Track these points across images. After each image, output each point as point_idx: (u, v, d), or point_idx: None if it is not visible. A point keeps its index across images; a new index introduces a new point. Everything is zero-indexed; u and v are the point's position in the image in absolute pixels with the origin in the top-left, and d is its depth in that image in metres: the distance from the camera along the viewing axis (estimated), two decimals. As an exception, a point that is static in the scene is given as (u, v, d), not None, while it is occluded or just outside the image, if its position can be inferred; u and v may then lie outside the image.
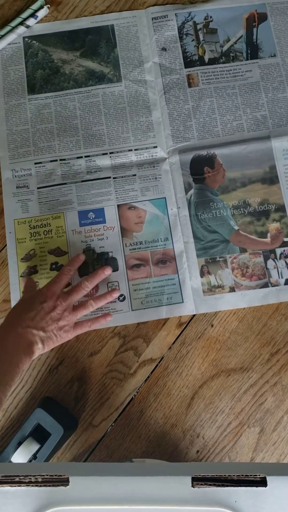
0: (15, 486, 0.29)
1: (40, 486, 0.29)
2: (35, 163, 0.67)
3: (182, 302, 0.62)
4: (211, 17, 0.72)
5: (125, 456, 0.59)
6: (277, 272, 0.63)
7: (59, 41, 0.72)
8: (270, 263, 0.64)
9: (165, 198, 0.66)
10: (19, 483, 0.29)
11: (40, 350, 0.53)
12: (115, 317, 0.62)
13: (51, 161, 0.67)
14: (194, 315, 0.62)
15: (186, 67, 0.70)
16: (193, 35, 0.72)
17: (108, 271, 0.61)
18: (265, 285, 0.63)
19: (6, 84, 0.70)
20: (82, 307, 0.58)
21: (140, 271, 0.64)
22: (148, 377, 0.61)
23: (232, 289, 0.63)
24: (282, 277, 0.63)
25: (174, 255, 0.64)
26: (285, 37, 0.71)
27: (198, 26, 0.72)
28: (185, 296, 0.63)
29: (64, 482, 0.29)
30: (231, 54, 0.71)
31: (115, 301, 0.62)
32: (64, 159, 0.67)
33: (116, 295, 0.61)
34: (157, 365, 0.61)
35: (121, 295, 0.63)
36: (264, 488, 0.29)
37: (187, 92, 0.69)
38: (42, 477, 0.29)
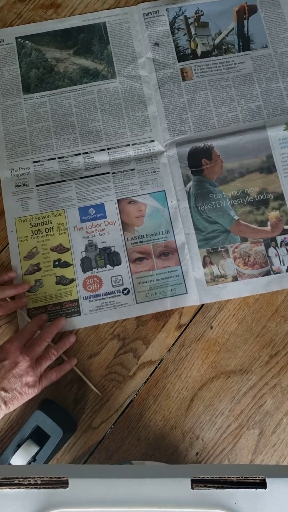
0: (14, 488, 0.28)
1: (40, 488, 0.29)
2: (33, 162, 0.67)
3: (186, 293, 0.63)
4: (201, 11, 0.73)
5: (124, 458, 0.58)
6: (279, 260, 0.64)
7: (52, 40, 0.72)
8: (272, 251, 0.64)
9: (164, 191, 0.66)
10: (19, 485, 0.28)
11: (3, 411, 0.51)
12: (120, 311, 0.62)
13: (49, 159, 0.68)
14: (194, 316, 0.62)
15: (179, 61, 0.71)
16: (184, 29, 0.72)
17: (63, 322, 0.60)
18: (268, 273, 0.63)
19: (1, 85, 0.70)
20: (45, 358, 0.56)
21: (143, 264, 0.64)
22: (148, 379, 0.60)
23: (235, 278, 0.63)
24: (283, 264, 0.64)
25: (176, 247, 0.64)
26: (276, 28, 0.72)
27: (190, 20, 0.72)
28: (189, 287, 0.63)
29: (64, 484, 0.29)
30: (223, 47, 0.72)
31: (119, 295, 0.62)
32: (62, 157, 0.68)
33: (72, 339, 0.60)
34: (156, 367, 0.61)
35: (125, 289, 0.63)
36: (263, 490, 0.29)
37: (181, 85, 0.70)
38: (42, 479, 0.28)
